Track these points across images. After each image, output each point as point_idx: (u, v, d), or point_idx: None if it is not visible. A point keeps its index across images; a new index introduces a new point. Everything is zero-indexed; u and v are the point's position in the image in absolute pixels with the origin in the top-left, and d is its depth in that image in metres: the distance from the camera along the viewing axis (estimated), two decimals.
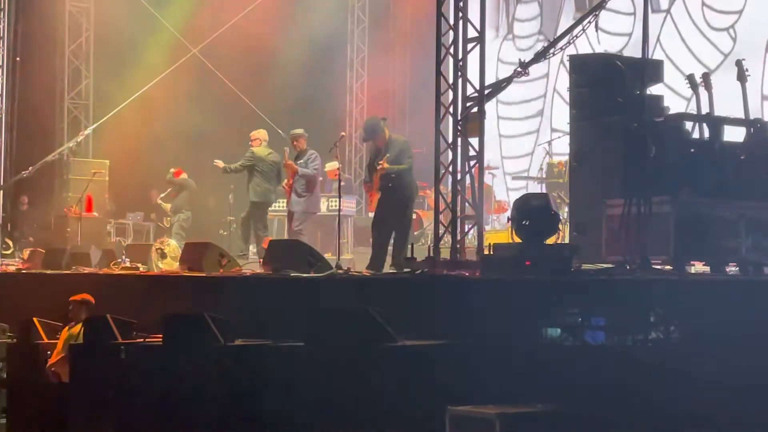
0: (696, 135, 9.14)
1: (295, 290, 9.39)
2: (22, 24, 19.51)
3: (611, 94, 9.27)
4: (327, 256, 11.67)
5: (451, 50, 10.37)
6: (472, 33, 10.40)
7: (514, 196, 10.92)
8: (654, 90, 9.54)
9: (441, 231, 10.31)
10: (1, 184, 18.55)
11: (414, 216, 12.73)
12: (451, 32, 10.39)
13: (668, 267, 8.22)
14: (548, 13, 19.66)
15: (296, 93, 19.79)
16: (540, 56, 11.20)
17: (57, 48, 20.39)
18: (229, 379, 8.21)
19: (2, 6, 18.66)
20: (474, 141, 10.23)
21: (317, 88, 20.46)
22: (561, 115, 10.02)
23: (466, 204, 10.28)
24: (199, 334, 8.41)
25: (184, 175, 17.58)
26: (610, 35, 16.67)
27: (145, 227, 19.11)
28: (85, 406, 9.20)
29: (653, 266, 7.90)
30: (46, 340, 10.57)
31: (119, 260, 13.48)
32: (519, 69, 11.00)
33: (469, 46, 10.40)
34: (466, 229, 10.34)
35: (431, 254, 9.92)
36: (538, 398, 7.00)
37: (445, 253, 10.39)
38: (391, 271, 11.27)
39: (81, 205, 17.44)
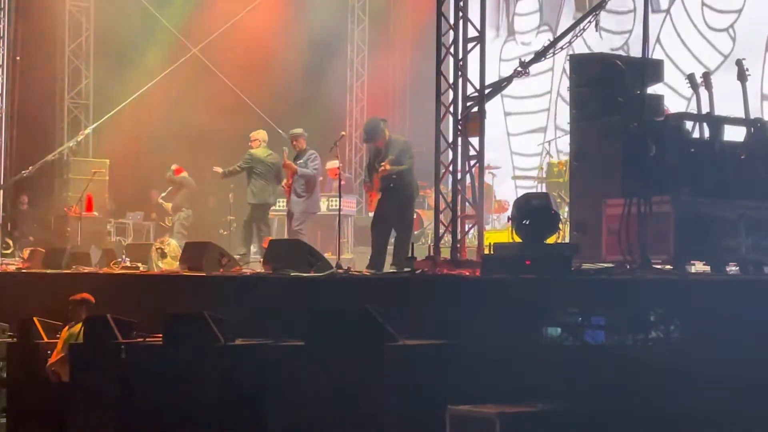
0: (696, 135, 9.14)
1: (296, 290, 9.39)
2: (22, 23, 19.52)
3: (611, 94, 9.26)
4: (327, 255, 11.67)
5: (452, 50, 10.37)
6: (472, 32, 10.40)
7: (521, 194, 10.93)
8: (654, 90, 9.54)
9: (441, 230, 10.31)
10: (1, 183, 18.55)
11: (414, 215, 12.73)
12: (451, 32, 10.39)
13: (668, 266, 8.21)
14: (548, 12, 19.67)
15: (296, 92, 19.81)
16: (540, 55, 11.19)
17: (57, 47, 20.40)
18: (229, 378, 8.21)
19: (2, 5, 18.66)
20: (474, 140, 10.23)
21: (317, 88, 20.47)
22: (563, 114, 10.05)
23: (467, 203, 10.28)
24: (199, 334, 8.41)
25: (184, 174, 17.58)
26: (610, 33, 16.69)
27: (145, 227, 19.12)
28: (85, 405, 9.20)
29: (653, 266, 7.89)
30: (46, 340, 10.57)
31: (119, 260, 13.48)
32: (519, 69, 11.00)
33: (470, 45, 10.41)
34: (467, 229, 10.34)
35: (431, 254, 9.92)
36: (538, 398, 7.00)
37: (445, 253, 10.39)
38: (391, 270, 11.28)
39: (81, 204, 17.44)
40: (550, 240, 8.77)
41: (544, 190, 15.26)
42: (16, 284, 12.84)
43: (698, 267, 9.42)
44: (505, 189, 18.35)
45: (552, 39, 11.84)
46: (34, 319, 10.72)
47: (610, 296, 7.23)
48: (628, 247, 7.74)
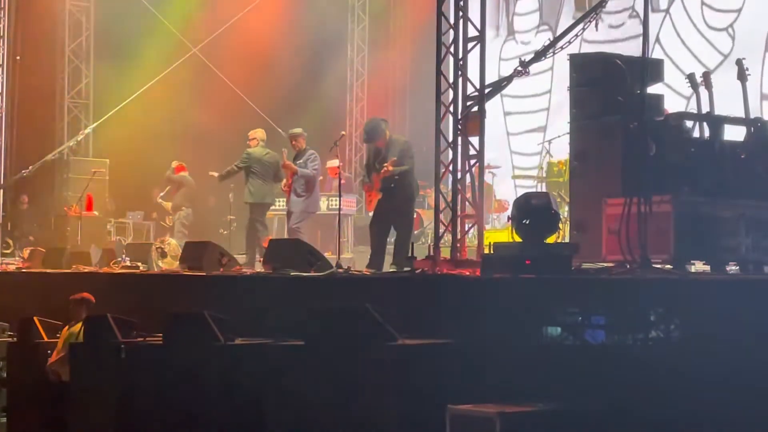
0: (696, 134, 9.14)
1: (296, 289, 9.39)
2: (22, 23, 19.51)
3: (611, 94, 9.27)
4: (327, 255, 11.68)
5: (452, 49, 10.37)
6: (472, 32, 10.40)
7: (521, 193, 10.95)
8: (654, 89, 9.54)
9: (441, 230, 10.31)
10: (2, 183, 18.55)
11: (414, 215, 12.74)
12: (451, 31, 10.39)
13: (668, 266, 8.21)
14: (548, 11, 19.67)
15: (296, 92, 19.81)
16: (540, 55, 11.20)
17: (57, 47, 20.40)
18: (229, 378, 8.21)
19: (2, 5, 18.65)
20: (474, 140, 10.23)
21: (317, 87, 20.48)
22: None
23: (467, 203, 10.28)
24: (199, 333, 8.41)
25: (183, 173, 17.58)
26: (609, 28, 16.69)
27: (145, 226, 19.12)
28: (85, 405, 9.20)
29: (653, 265, 7.89)
30: (46, 339, 10.56)
31: (119, 259, 13.48)
32: (519, 68, 11.00)
33: (470, 45, 10.41)
34: (467, 228, 10.34)
35: (431, 253, 9.92)
36: (539, 397, 7.00)
37: (445, 252, 10.39)
38: (391, 270, 11.28)
39: (81, 204, 17.45)
40: (550, 239, 8.77)
41: (544, 190, 15.26)
42: (16, 284, 12.85)
43: (698, 266, 9.41)
44: (505, 188, 18.36)
45: (552, 38, 11.84)
46: (34, 318, 10.72)
47: (610, 296, 7.23)
48: (628, 246, 7.74)
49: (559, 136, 13.95)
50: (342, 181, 12.84)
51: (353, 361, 7.43)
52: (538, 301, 7.45)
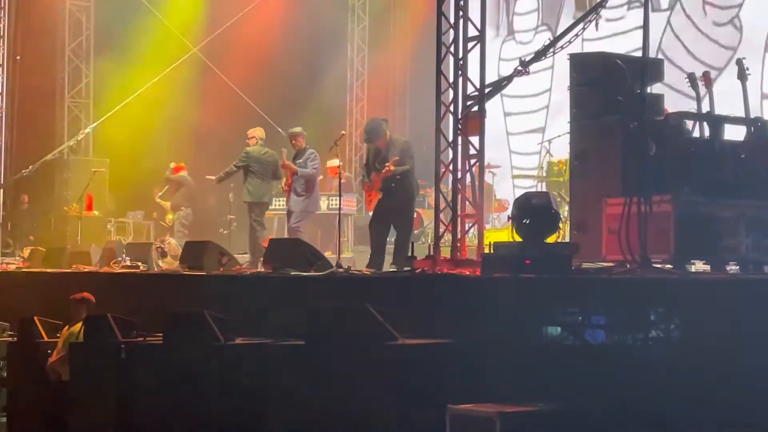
0: (696, 134, 9.14)
1: (296, 289, 9.40)
2: (23, 23, 19.51)
3: (612, 93, 9.26)
4: (327, 254, 11.68)
5: (452, 49, 10.37)
6: (472, 32, 10.39)
7: (521, 193, 10.94)
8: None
9: (441, 229, 10.31)
10: (2, 182, 18.55)
11: (414, 215, 12.74)
12: (451, 31, 10.38)
13: (668, 266, 8.21)
14: (548, 11, 19.66)
15: (296, 91, 19.81)
16: (540, 55, 11.19)
17: (57, 47, 20.40)
18: (229, 378, 8.21)
19: (2, 5, 18.66)
20: (474, 140, 10.23)
21: (317, 87, 20.48)
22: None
23: (467, 203, 10.28)
24: (199, 333, 8.42)
25: (183, 172, 17.57)
26: (608, 22, 16.66)
27: (145, 226, 19.12)
28: (85, 405, 9.21)
29: (653, 265, 7.89)
30: (46, 339, 10.56)
31: (119, 259, 13.47)
32: (519, 68, 11.00)
33: (470, 44, 10.40)
34: (467, 228, 10.34)
35: (431, 253, 9.91)
36: (539, 397, 7.00)
37: (445, 252, 10.39)
38: (391, 269, 11.28)
39: (81, 203, 17.44)
40: (551, 239, 8.77)
41: (544, 189, 15.25)
42: (17, 283, 12.85)
43: (698, 266, 9.41)
44: (505, 188, 18.37)
45: (552, 38, 11.84)
46: (35, 318, 10.72)
47: (610, 295, 7.22)
48: (628, 246, 7.74)
49: (559, 136, 13.95)
50: (342, 181, 12.84)
51: (353, 360, 7.42)
52: (538, 301, 7.45)
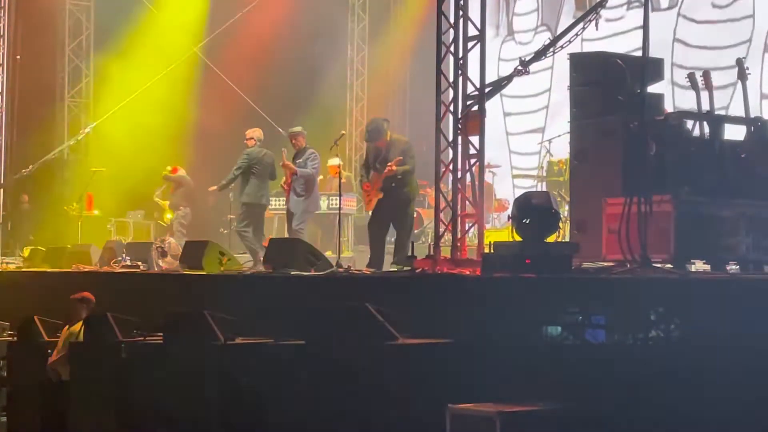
0: (696, 133, 9.13)
1: (296, 289, 9.40)
2: (23, 22, 19.52)
3: (612, 93, 9.26)
4: (327, 254, 11.69)
5: (452, 48, 10.36)
6: (472, 31, 10.39)
7: (521, 192, 10.93)
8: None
9: (441, 229, 10.31)
10: (2, 182, 18.55)
11: (414, 214, 12.75)
12: (451, 30, 10.38)
13: (668, 265, 8.21)
14: (547, 11, 19.66)
15: (296, 91, 19.81)
16: (540, 54, 11.18)
17: (57, 46, 20.42)
18: (230, 377, 8.21)
19: (2, 4, 18.65)
20: (474, 139, 10.22)
21: (317, 87, 20.48)
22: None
23: (467, 202, 10.28)
24: (199, 333, 8.42)
25: (181, 172, 17.57)
26: (608, 22, 16.64)
27: (145, 225, 19.11)
28: (86, 404, 9.21)
29: (653, 265, 7.89)
30: (46, 339, 10.56)
31: (119, 258, 13.48)
32: (519, 68, 10.99)
33: (470, 44, 10.39)
34: (467, 228, 10.34)
35: (432, 252, 9.91)
36: (539, 397, 7.00)
37: (445, 252, 10.38)
38: (391, 269, 11.28)
39: (81, 203, 17.45)
40: (551, 239, 8.77)
41: (544, 189, 15.26)
42: (17, 283, 12.85)
43: (698, 266, 9.41)
44: (505, 188, 18.36)
45: (552, 38, 11.84)
46: (35, 318, 10.72)
47: (610, 295, 7.22)
48: (628, 246, 7.74)
49: (559, 136, 13.96)
50: (342, 180, 12.84)
51: (353, 360, 7.43)
52: (538, 301, 7.45)
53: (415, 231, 14.93)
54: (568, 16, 18.12)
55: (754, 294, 6.73)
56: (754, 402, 6.33)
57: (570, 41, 11.04)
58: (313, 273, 9.85)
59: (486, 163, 10.68)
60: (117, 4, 19.77)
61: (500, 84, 11.06)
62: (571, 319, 7.36)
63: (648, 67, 8.94)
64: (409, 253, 10.06)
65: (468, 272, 8.99)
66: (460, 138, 10.21)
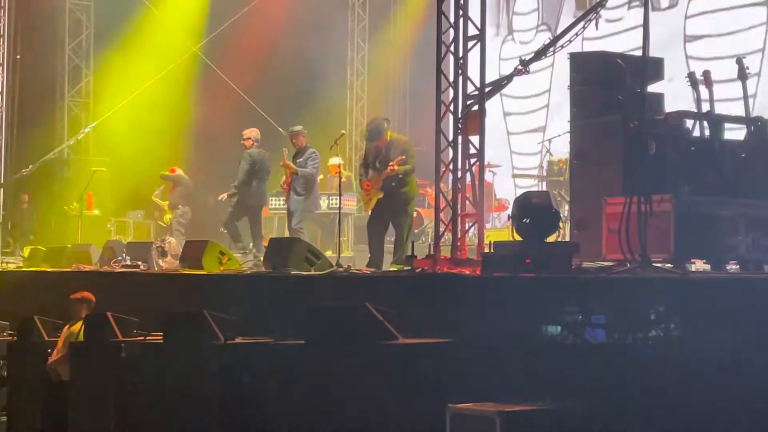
0: (696, 133, 9.13)
1: (296, 288, 9.39)
2: (23, 21, 19.53)
3: (612, 92, 9.26)
4: (327, 254, 11.68)
5: (452, 48, 10.36)
6: (472, 31, 10.39)
7: (521, 192, 10.92)
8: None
9: (441, 229, 10.31)
10: (2, 181, 18.56)
11: (414, 214, 12.75)
12: (451, 30, 10.38)
13: (668, 265, 8.21)
14: (548, 11, 19.66)
15: (296, 91, 19.82)
16: (541, 54, 11.18)
17: (57, 46, 20.42)
18: (229, 377, 8.21)
19: (2, 4, 18.66)
20: (474, 139, 10.22)
21: (317, 86, 20.47)
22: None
23: (467, 202, 10.28)
24: (199, 332, 8.42)
25: (179, 172, 17.58)
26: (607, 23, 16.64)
27: (145, 225, 19.12)
28: (86, 404, 9.21)
29: (653, 264, 7.89)
30: (46, 338, 10.56)
31: (120, 258, 13.48)
32: (520, 67, 10.99)
33: (470, 44, 10.39)
34: (467, 227, 10.34)
35: (432, 252, 9.91)
36: (539, 396, 7.00)
37: (445, 251, 10.39)
38: (391, 269, 11.28)
39: (81, 202, 17.44)
40: (551, 238, 8.77)
41: (544, 189, 15.26)
42: (17, 283, 12.86)
43: (698, 265, 9.41)
44: (506, 187, 18.36)
45: (552, 37, 11.84)
46: (35, 317, 10.73)
47: (610, 295, 7.22)
48: (628, 245, 7.74)
49: (559, 135, 13.95)
50: (342, 180, 12.83)
51: (353, 360, 7.42)
52: (538, 300, 7.45)
53: (415, 231, 14.93)
54: (568, 15, 18.13)
55: (754, 294, 6.73)
56: (754, 401, 6.33)
57: (570, 41, 11.03)
58: (312, 273, 9.84)
59: (486, 162, 10.68)
60: (117, 4, 19.78)
61: (500, 83, 11.05)
62: (570, 319, 7.36)
63: (648, 67, 8.93)
64: (409, 253, 10.06)
65: (468, 272, 8.99)
66: (460, 138, 10.21)
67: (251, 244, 13.97)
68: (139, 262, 13.27)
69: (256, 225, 14.21)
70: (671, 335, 6.84)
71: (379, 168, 11.88)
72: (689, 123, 9.18)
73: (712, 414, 6.42)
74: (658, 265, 7.99)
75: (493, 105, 11.75)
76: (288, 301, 9.07)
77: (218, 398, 8.20)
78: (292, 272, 9.82)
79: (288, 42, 19.78)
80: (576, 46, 10.96)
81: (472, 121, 10.13)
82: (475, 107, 10.18)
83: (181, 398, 8.38)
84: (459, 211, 10.10)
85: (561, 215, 10.22)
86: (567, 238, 10.63)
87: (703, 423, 6.45)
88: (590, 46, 14.08)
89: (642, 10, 8.49)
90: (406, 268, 9.97)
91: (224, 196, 14.52)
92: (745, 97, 9.27)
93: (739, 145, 9.24)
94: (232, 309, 8.80)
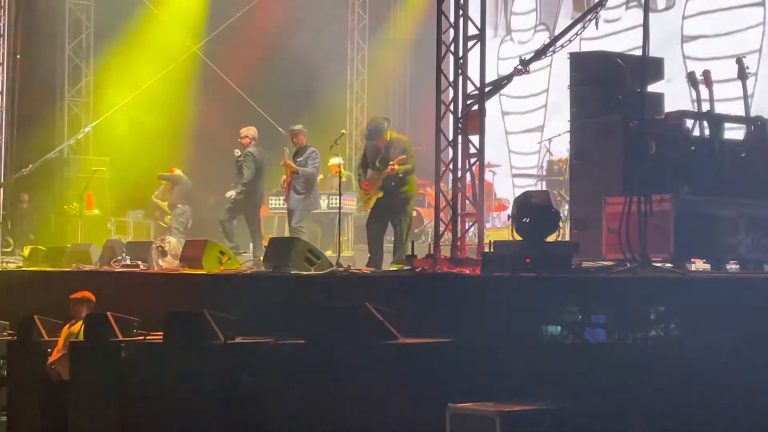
0: (696, 133, 9.13)
1: (296, 288, 9.39)
2: (23, 21, 19.53)
3: (612, 92, 9.26)
4: (327, 253, 11.68)
5: (452, 48, 10.37)
6: (472, 31, 10.39)
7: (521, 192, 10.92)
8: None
9: (441, 228, 10.31)
10: (2, 181, 18.56)
11: (414, 213, 12.75)
12: (451, 30, 10.38)
13: (668, 265, 8.21)
14: (546, 11, 19.66)
15: (296, 90, 19.82)
16: (540, 54, 11.18)
17: (57, 45, 20.42)
18: (229, 377, 8.21)
19: (2, 4, 18.67)
20: (474, 139, 10.23)
21: (317, 86, 20.47)
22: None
23: (467, 201, 10.28)
24: (199, 332, 8.41)
25: (177, 171, 17.58)
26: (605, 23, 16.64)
27: (145, 224, 19.12)
28: (86, 403, 9.21)
29: (653, 264, 7.89)
30: (46, 338, 10.57)
31: (119, 258, 13.48)
32: (520, 67, 10.99)
33: (470, 43, 10.40)
34: (467, 227, 10.34)
35: (432, 252, 9.92)
36: (539, 396, 7.00)
37: (445, 251, 10.39)
38: (391, 268, 11.28)
39: (81, 202, 17.45)
40: (551, 238, 8.77)
41: (544, 188, 15.26)
42: (17, 282, 12.86)
43: (698, 265, 9.41)
44: (505, 187, 18.37)
45: (551, 37, 11.84)
46: (35, 317, 10.73)
47: (610, 294, 7.22)
48: (628, 245, 7.74)
49: (559, 135, 13.96)
50: (342, 179, 12.84)
51: (353, 359, 7.42)
52: (538, 300, 7.45)
53: (415, 230, 14.93)
54: (566, 15, 18.13)
55: (754, 294, 6.73)
56: (754, 401, 6.33)
57: (570, 40, 11.04)
58: (312, 272, 9.84)
59: (486, 162, 10.69)
60: (117, 4, 19.78)
61: (500, 83, 11.06)
62: (570, 318, 7.36)
63: (648, 66, 8.93)
64: (409, 253, 10.06)
65: (468, 271, 8.99)
66: (460, 137, 10.21)
67: (245, 248, 13.98)
68: (139, 262, 13.27)
69: (256, 224, 14.21)
70: (671, 335, 6.84)
71: (379, 167, 11.88)
72: (689, 123, 9.18)
73: (712, 414, 6.42)
74: (658, 264, 7.99)
75: (491, 105, 11.73)
76: (288, 301, 9.06)
77: (218, 398, 8.20)
78: (292, 272, 9.82)
79: (288, 42, 19.78)
80: (574, 46, 10.97)
81: (472, 120, 10.13)
82: (475, 107, 10.18)
83: (181, 398, 8.38)
84: (459, 211, 10.10)
85: (561, 215, 10.22)
86: (567, 238, 10.63)
87: (703, 423, 6.45)
88: (588, 47, 14.07)
89: (639, 10, 8.51)
90: (406, 267, 9.97)
91: (232, 193, 14.49)
92: (745, 97, 9.27)
93: (739, 144, 9.24)
94: (232, 309, 8.80)
